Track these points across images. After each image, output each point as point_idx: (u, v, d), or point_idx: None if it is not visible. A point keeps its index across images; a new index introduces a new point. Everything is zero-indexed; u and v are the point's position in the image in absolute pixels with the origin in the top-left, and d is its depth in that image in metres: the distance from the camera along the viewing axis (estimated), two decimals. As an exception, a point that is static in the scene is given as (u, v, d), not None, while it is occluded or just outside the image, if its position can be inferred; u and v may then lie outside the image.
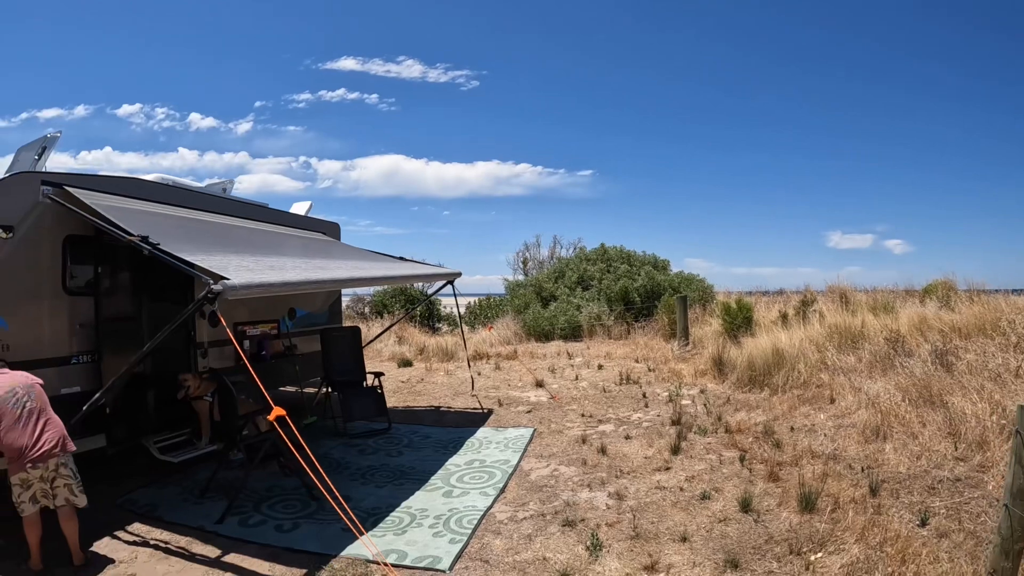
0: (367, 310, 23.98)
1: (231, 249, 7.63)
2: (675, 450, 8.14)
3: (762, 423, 9.02)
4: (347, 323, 16.52)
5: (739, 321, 14.53)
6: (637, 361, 14.08)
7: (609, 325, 17.35)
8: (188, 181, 9.79)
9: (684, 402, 10.67)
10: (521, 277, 24.22)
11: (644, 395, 11.18)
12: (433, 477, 7.66)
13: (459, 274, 11.62)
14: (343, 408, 9.73)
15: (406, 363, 15.58)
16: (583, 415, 10.22)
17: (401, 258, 11.69)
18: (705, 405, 10.28)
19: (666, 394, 11.23)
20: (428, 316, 22.67)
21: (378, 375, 10.24)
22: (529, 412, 10.60)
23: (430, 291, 13.32)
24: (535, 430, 9.56)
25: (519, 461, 8.14)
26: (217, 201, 9.69)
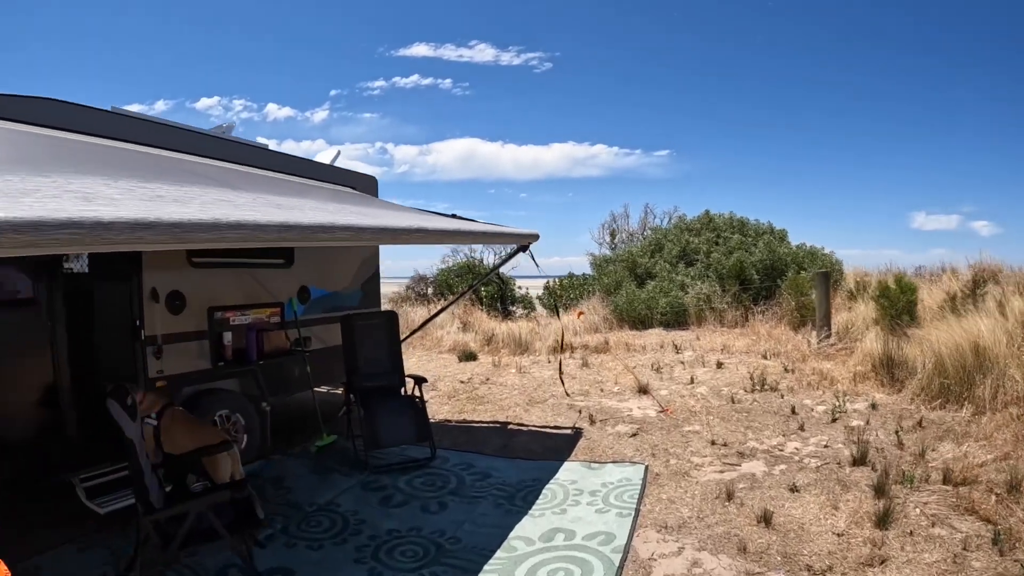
0: (429, 291, 21.00)
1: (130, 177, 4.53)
2: (882, 520, 4.92)
3: (990, 464, 5.85)
4: (395, 308, 13.49)
5: (901, 306, 11.07)
6: (766, 358, 10.73)
7: (721, 309, 13.96)
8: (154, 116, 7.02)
9: (853, 422, 7.41)
10: (609, 252, 20.85)
11: (793, 410, 7.90)
12: (488, 566, 4.61)
13: (536, 236, 8.46)
14: (366, 428, 6.74)
15: (469, 356, 12.57)
16: (713, 442, 7.03)
17: (460, 218, 8.56)
18: (893, 431, 6.96)
19: (823, 408, 7.97)
20: (499, 297, 19.55)
21: (419, 381, 7.19)
22: (634, 435, 7.43)
23: (501, 260, 10.05)
24: (647, 467, 6.44)
25: (630, 536, 4.99)
26: (179, 136, 6.79)
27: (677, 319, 14.21)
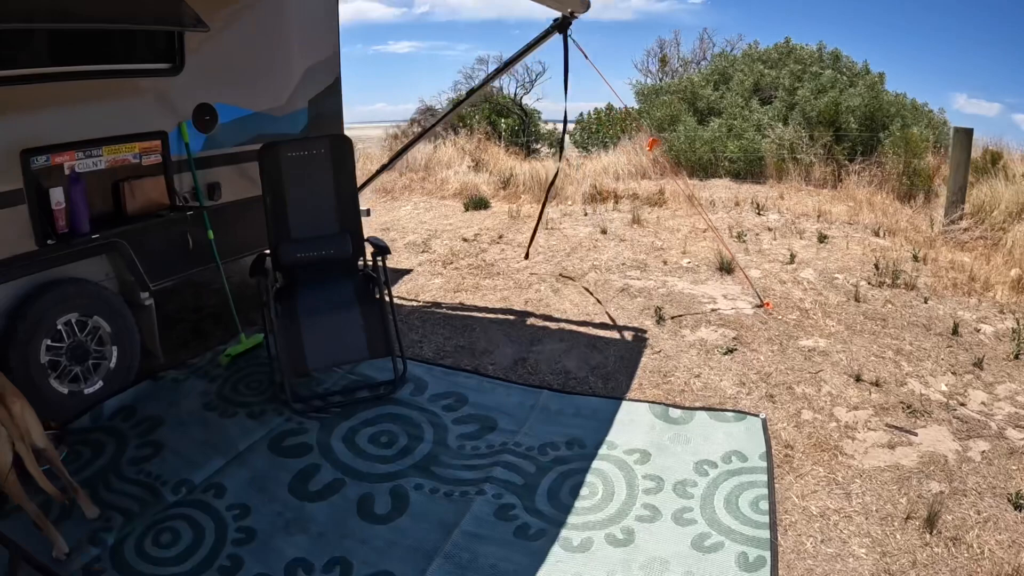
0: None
1: None
2: None
3: None
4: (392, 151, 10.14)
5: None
6: (878, 235, 7.71)
7: (808, 162, 10.79)
8: None
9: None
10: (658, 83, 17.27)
11: (955, 329, 5.06)
12: None
13: (585, 4, 5.45)
14: (286, 335, 4.01)
15: (479, 204, 9.44)
16: (858, 377, 4.33)
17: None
18: None
19: (991, 330, 5.17)
20: (521, 130, 16.35)
21: (379, 252, 4.26)
22: (730, 353, 4.67)
23: (529, 48, 6.55)
24: (764, 423, 3.77)
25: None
26: None
27: (750, 170, 11.05)
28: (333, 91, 6.02)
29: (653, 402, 3.99)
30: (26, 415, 2.82)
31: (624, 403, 3.99)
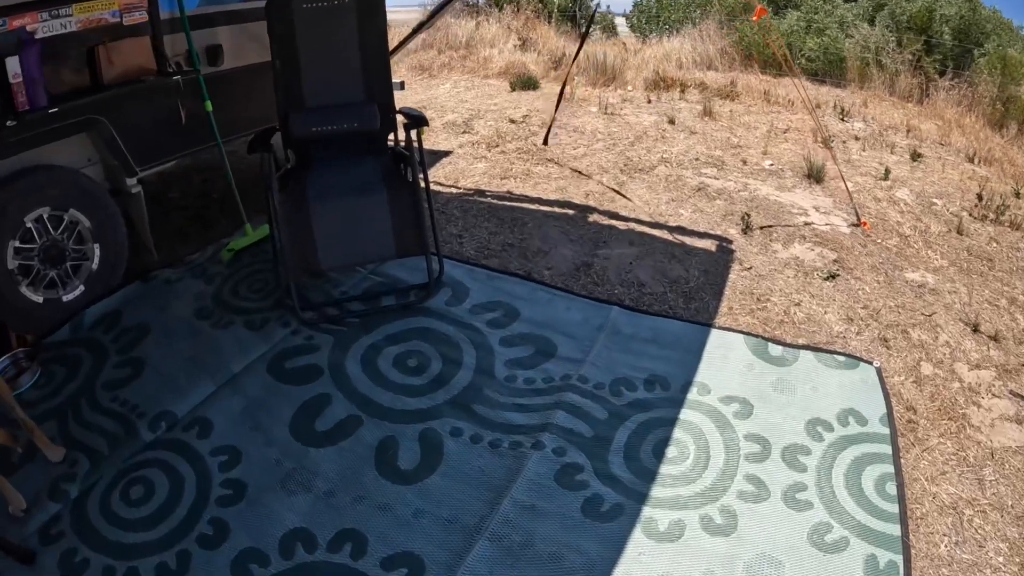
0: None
1: None
2: None
3: None
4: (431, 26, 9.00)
5: None
6: (972, 161, 6.68)
7: (894, 71, 9.71)
8: None
9: None
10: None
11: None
12: None
13: None
14: (294, 226, 3.18)
15: (527, 84, 8.32)
16: (975, 327, 3.52)
17: None
18: None
19: None
20: (575, 8, 15.09)
21: (414, 124, 3.36)
22: (832, 279, 3.83)
23: None
24: (879, 372, 3.02)
25: None
26: None
27: (829, 70, 9.94)
28: None
29: (749, 333, 3.22)
30: None
31: (713, 331, 3.22)
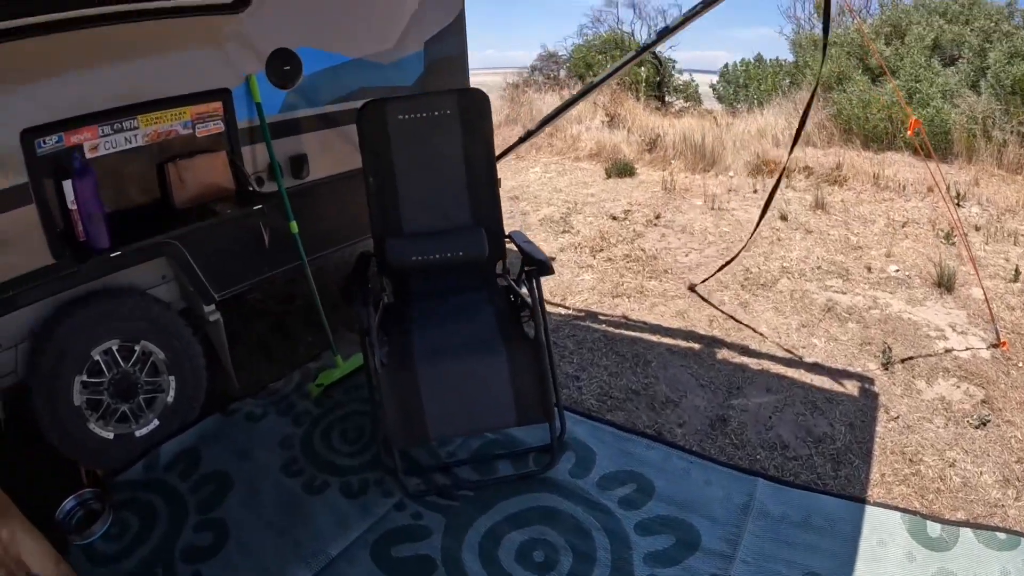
0: (562, 72, 16.08)
1: None
2: None
3: None
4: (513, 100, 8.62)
5: None
6: None
7: (1002, 141, 9.09)
8: None
9: None
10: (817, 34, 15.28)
11: None
12: None
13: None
14: (400, 385, 2.81)
15: (623, 170, 8.00)
16: None
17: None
18: None
19: None
20: (658, 82, 14.83)
21: (535, 268, 2.99)
22: (982, 427, 3.33)
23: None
24: None
25: None
26: None
27: (934, 144, 9.39)
28: (455, 30, 4.58)
29: (906, 511, 2.78)
30: (20, 540, 1.98)
31: (868, 509, 2.79)
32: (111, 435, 3.11)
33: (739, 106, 13.04)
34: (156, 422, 3.26)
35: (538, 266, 2.94)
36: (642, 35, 17.32)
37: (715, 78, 15.54)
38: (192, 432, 3.30)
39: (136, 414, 3.20)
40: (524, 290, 3.15)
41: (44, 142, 2.76)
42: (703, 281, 4.91)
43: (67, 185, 2.75)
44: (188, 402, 3.37)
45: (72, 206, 2.78)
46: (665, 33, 4.04)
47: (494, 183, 3.38)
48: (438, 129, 3.28)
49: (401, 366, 2.82)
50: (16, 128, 2.68)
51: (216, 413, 3.47)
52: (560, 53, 16.82)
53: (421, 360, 2.83)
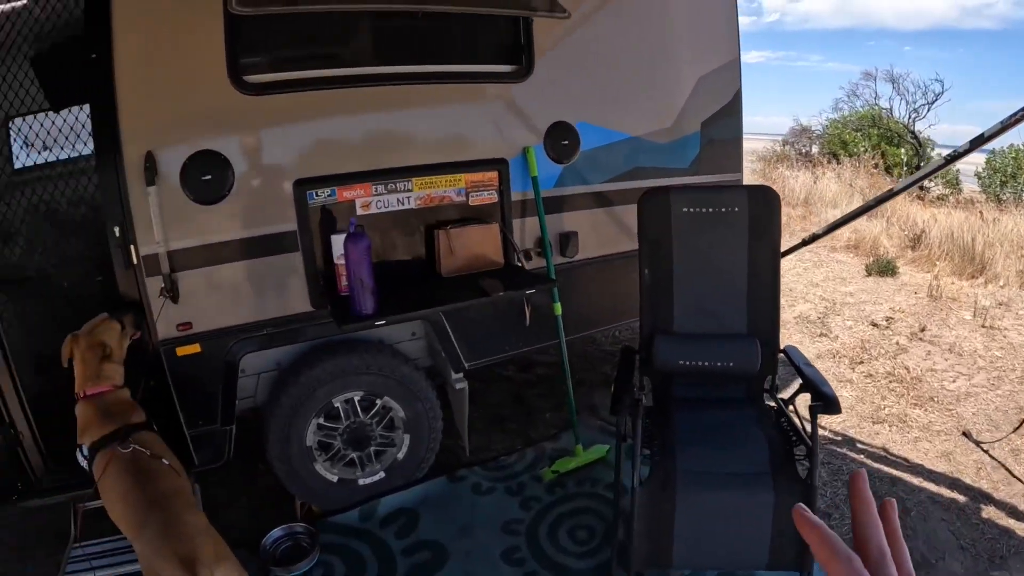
0: (814, 149, 15.59)
1: None
2: None
3: None
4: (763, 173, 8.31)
5: None
6: None
7: None
8: None
9: None
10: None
11: None
12: None
13: None
14: (653, 506, 2.53)
15: (885, 268, 7.27)
16: None
17: None
18: None
19: None
20: (917, 164, 13.75)
21: (821, 403, 2.56)
22: None
23: None
24: None
25: None
26: None
27: None
28: (732, 110, 4.35)
29: None
30: None
31: None
32: (335, 478, 3.17)
33: (1005, 196, 11.86)
34: (382, 474, 3.28)
35: (825, 403, 2.58)
36: (900, 111, 16.30)
37: (979, 157, 14.25)
38: (416, 491, 3.29)
39: (363, 463, 3.24)
40: (794, 417, 2.88)
41: (316, 194, 2.88)
42: (980, 443, 4.26)
43: (335, 240, 2.83)
44: (418, 463, 3.37)
45: (339, 261, 2.83)
46: (979, 142, 3.61)
47: (776, 293, 3.07)
48: (723, 226, 3.04)
49: (661, 488, 2.57)
50: (290, 177, 2.83)
51: (443, 476, 3.43)
52: (813, 128, 16.14)
53: (683, 486, 2.56)
